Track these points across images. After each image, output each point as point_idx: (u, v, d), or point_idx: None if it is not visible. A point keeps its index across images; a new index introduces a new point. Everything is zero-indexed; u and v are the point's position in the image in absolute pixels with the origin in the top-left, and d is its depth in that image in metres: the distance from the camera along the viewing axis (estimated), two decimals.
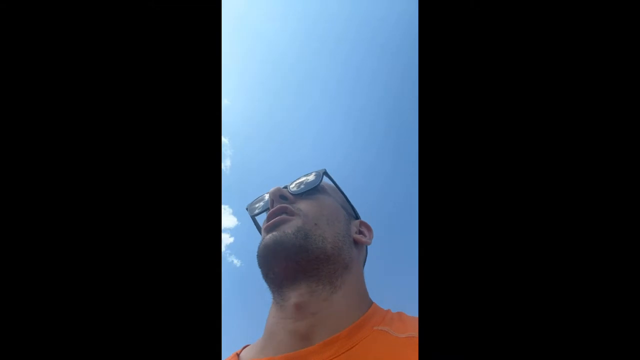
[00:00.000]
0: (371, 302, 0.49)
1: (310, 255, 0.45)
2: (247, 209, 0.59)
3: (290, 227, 0.47)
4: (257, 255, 0.47)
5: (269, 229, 0.48)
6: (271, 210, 0.50)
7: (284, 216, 0.48)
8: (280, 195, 0.52)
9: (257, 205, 0.58)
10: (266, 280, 0.49)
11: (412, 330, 0.40)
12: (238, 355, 0.47)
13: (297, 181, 0.56)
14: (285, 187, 0.55)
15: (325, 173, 0.56)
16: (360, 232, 0.56)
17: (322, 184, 0.56)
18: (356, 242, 0.53)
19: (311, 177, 0.56)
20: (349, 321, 0.43)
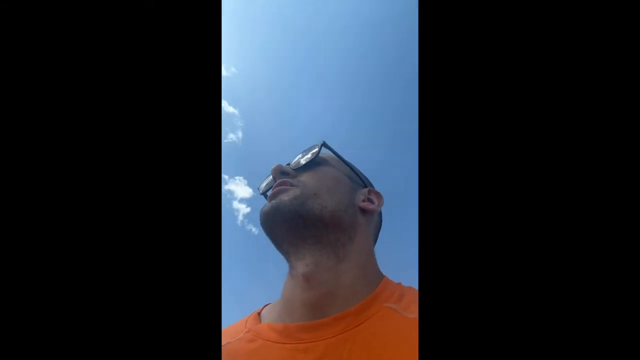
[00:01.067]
0: (382, 276, 0.50)
1: (306, 221, 0.47)
2: (258, 188, 0.61)
3: (287, 195, 0.49)
4: (260, 223, 0.50)
5: (269, 199, 0.50)
6: (274, 185, 0.52)
7: (282, 187, 0.50)
8: (280, 172, 0.54)
9: (264, 184, 0.60)
10: (276, 247, 0.51)
11: None
12: (259, 313, 0.51)
13: (298, 156, 0.57)
14: (288, 164, 0.56)
15: (325, 145, 0.57)
16: (369, 200, 0.55)
17: (324, 156, 0.57)
18: (363, 210, 0.53)
19: (310, 151, 0.56)
20: (359, 295, 0.45)
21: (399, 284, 0.50)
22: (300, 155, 0.58)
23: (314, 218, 0.47)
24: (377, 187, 0.62)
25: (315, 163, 0.55)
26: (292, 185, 0.51)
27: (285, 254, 0.50)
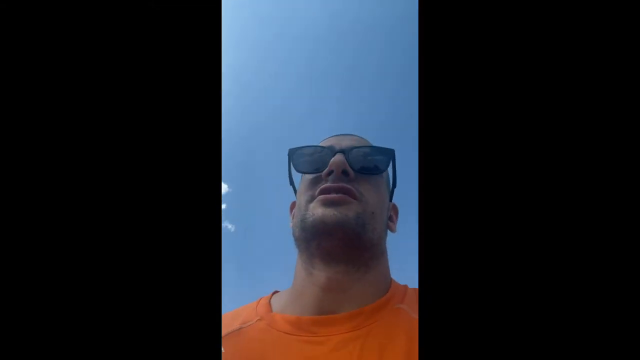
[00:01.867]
0: (391, 279, 0.52)
1: (360, 244, 0.46)
2: (290, 155, 0.53)
3: (352, 211, 0.46)
4: (309, 222, 0.46)
5: (328, 204, 0.46)
6: (331, 184, 0.47)
7: (347, 198, 0.46)
8: (343, 171, 0.48)
9: (307, 160, 0.52)
10: (299, 242, 0.49)
11: None
12: (269, 301, 0.51)
13: (361, 153, 0.51)
14: (343, 152, 0.49)
15: (394, 157, 0.52)
16: (390, 217, 0.55)
17: None
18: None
19: (378, 157, 0.51)
20: (373, 297, 0.46)
21: (405, 286, 0.51)
22: (363, 153, 0.51)
23: (368, 242, 0.47)
24: None
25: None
26: (355, 197, 0.47)
27: (312, 255, 0.47)
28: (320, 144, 0.55)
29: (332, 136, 0.57)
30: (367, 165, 0.50)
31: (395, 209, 0.58)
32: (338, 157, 0.48)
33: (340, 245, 0.45)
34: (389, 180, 0.56)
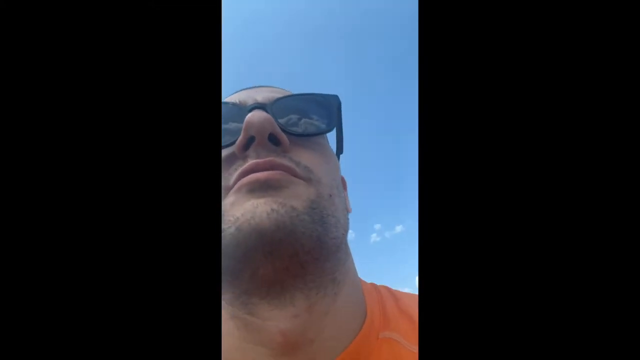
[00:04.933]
0: (359, 283, 0.35)
1: (323, 252, 0.27)
2: None
3: (300, 198, 0.27)
4: (232, 236, 0.26)
5: (258, 189, 0.27)
6: (256, 160, 0.28)
7: (284, 173, 0.28)
8: (270, 135, 0.29)
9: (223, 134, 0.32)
10: (226, 275, 0.28)
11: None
12: None
13: (292, 106, 0.32)
14: (262, 108, 0.30)
15: (339, 107, 0.34)
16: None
17: None
18: None
19: (318, 108, 0.33)
20: (353, 330, 0.30)
21: (373, 285, 0.36)
22: (293, 106, 0.32)
23: (333, 245, 0.28)
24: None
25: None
26: (295, 174, 0.29)
27: (244, 292, 0.28)
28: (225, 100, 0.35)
29: (243, 89, 0.37)
30: (308, 125, 0.32)
31: (344, 182, 0.39)
32: (256, 114, 0.28)
33: (291, 267, 0.26)
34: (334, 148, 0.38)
